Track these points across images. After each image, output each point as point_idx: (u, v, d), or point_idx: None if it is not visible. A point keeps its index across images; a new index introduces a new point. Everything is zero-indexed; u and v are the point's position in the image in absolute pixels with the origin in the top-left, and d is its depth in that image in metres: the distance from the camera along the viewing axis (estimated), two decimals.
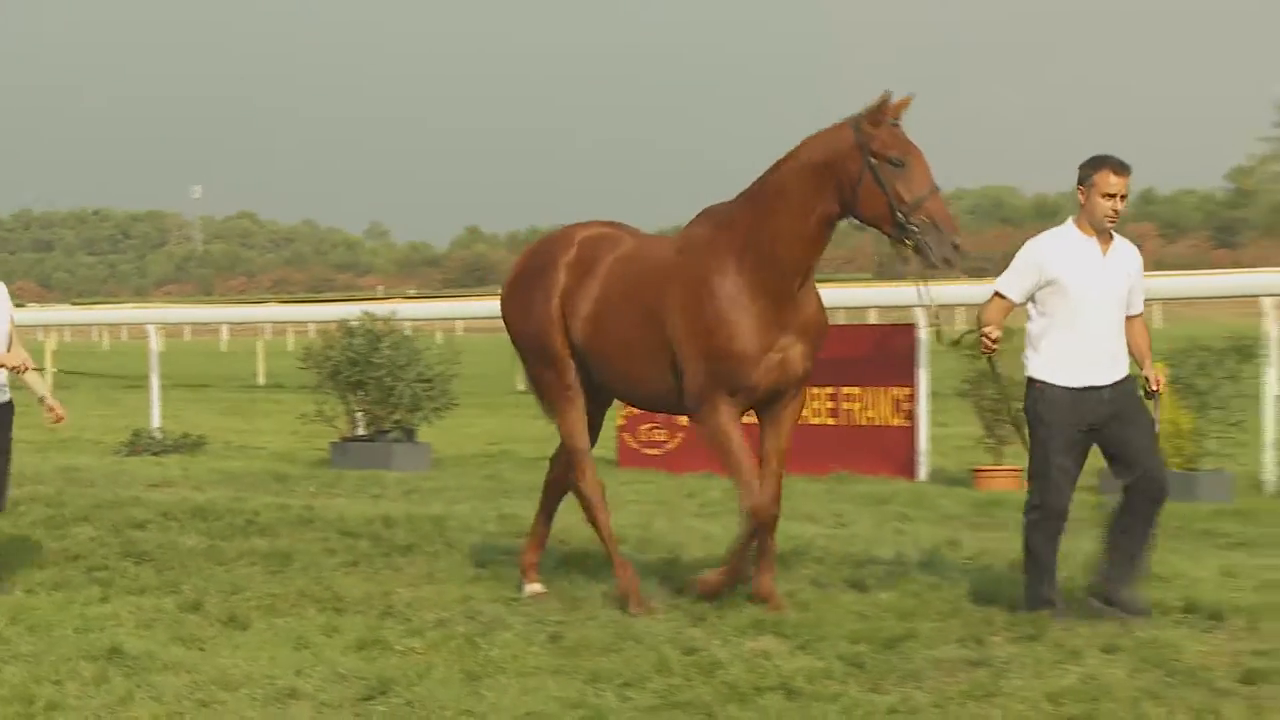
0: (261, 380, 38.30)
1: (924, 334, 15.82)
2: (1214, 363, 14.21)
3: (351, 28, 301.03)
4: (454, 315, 38.90)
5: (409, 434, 18.02)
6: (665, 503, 14.25)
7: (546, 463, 10.45)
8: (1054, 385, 8.84)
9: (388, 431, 17.93)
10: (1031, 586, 8.87)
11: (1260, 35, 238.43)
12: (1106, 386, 8.83)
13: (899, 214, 8.66)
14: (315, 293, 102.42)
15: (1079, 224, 8.92)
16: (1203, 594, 9.11)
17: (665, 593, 9.61)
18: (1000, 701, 7.07)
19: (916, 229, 8.63)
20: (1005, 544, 11.26)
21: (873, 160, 8.71)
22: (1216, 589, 9.36)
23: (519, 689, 7.47)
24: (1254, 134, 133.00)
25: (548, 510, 10.24)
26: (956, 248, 8.64)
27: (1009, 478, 14.92)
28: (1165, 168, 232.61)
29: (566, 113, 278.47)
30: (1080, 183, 8.85)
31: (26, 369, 10.00)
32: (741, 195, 9.30)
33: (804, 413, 16.44)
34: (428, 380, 17.91)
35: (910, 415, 15.85)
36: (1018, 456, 15.13)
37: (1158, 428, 9.11)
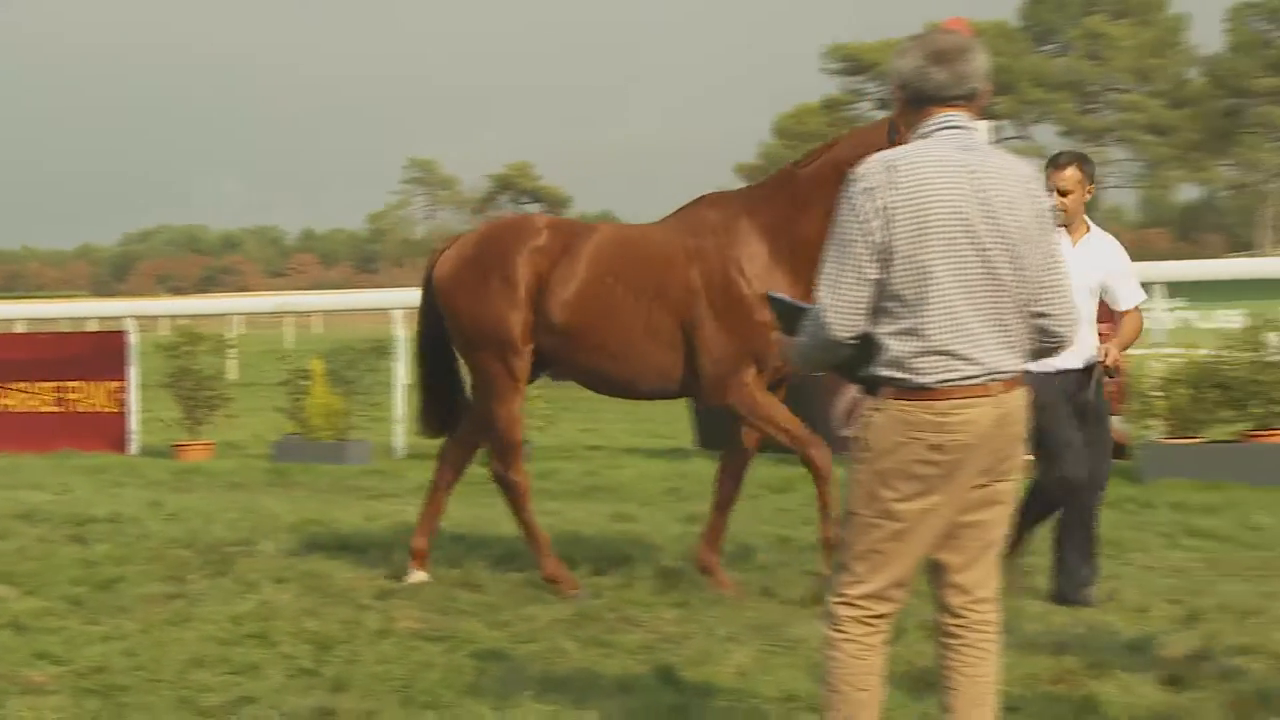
0: None
1: (134, 338, 15.58)
2: (360, 359, 14.69)
3: None
4: None
5: None
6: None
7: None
8: (1030, 371, 7.49)
9: None
10: (1017, 534, 6.92)
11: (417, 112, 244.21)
12: (1078, 371, 7.17)
13: None
14: None
15: None
16: (354, 538, 9.30)
17: None
18: (194, 625, 6.96)
19: None
20: (200, 502, 11.13)
21: None
22: (360, 531, 9.59)
23: None
24: (387, 188, 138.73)
25: (437, 505, 8.08)
26: None
27: (203, 450, 14.85)
28: (321, 212, 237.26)
29: None
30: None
31: None
32: (768, 183, 7.56)
33: (33, 402, 15.82)
34: None
35: (122, 402, 15.45)
36: (212, 433, 15.10)
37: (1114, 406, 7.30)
